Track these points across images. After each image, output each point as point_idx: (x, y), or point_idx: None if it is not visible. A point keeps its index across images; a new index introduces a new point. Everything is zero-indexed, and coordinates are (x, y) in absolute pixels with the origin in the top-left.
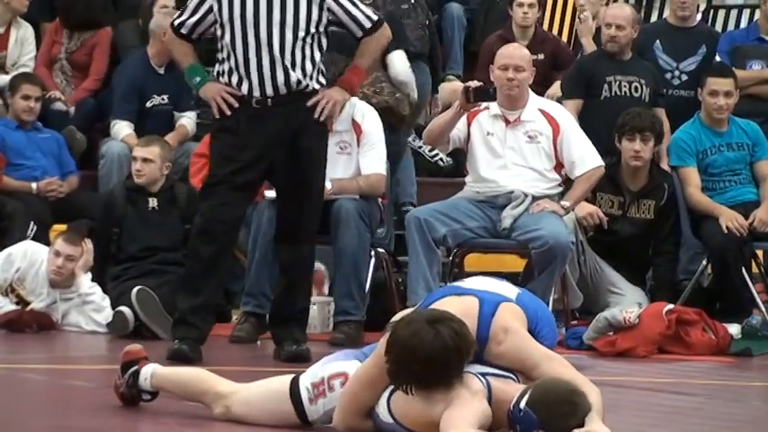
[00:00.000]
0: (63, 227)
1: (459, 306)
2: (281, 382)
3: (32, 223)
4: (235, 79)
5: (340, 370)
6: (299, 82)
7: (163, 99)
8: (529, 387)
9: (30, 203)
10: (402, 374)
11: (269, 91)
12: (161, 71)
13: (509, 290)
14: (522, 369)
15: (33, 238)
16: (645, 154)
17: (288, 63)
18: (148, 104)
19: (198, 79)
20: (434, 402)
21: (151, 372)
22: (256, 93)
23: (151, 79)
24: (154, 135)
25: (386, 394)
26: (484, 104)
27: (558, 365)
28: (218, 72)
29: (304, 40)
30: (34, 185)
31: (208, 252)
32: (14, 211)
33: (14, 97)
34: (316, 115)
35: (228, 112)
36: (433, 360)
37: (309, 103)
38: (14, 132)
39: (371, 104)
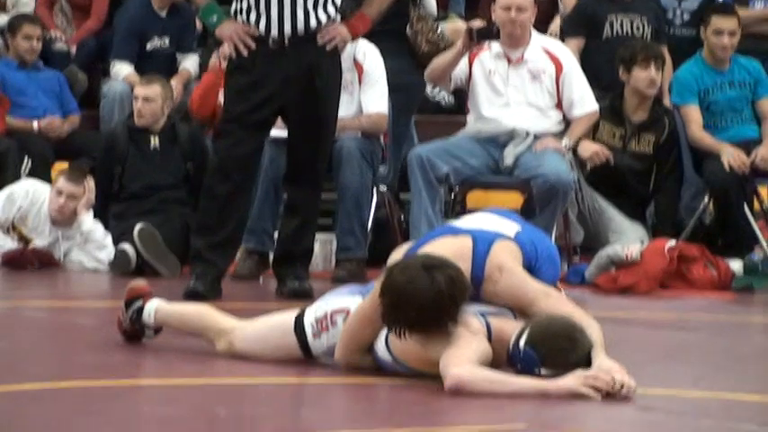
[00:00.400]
0: (65, 165)
1: (453, 247)
2: (286, 317)
3: (27, 158)
4: (253, 17)
5: (342, 305)
6: (317, 23)
7: (164, 42)
8: (527, 325)
9: (31, 142)
10: (396, 319)
11: (287, 30)
12: (163, 14)
13: (508, 227)
14: (519, 306)
15: (34, 176)
16: (659, 81)
17: (309, 4)
18: (149, 47)
19: (215, 17)
20: (432, 342)
21: (155, 307)
22: (274, 31)
23: (152, 21)
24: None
25: (384, 332)
26: (486, 44)
27: (555, 301)
28: (235, 10)
29: None
30: (35, 124)
31: (224, 190)
32: (7, 149)
33: (15, 38)
34: (319, 40)
35: (245, 53)
36: (427, 306)
37: (320, 36)
38: (15, 72)
39: (439, 50)
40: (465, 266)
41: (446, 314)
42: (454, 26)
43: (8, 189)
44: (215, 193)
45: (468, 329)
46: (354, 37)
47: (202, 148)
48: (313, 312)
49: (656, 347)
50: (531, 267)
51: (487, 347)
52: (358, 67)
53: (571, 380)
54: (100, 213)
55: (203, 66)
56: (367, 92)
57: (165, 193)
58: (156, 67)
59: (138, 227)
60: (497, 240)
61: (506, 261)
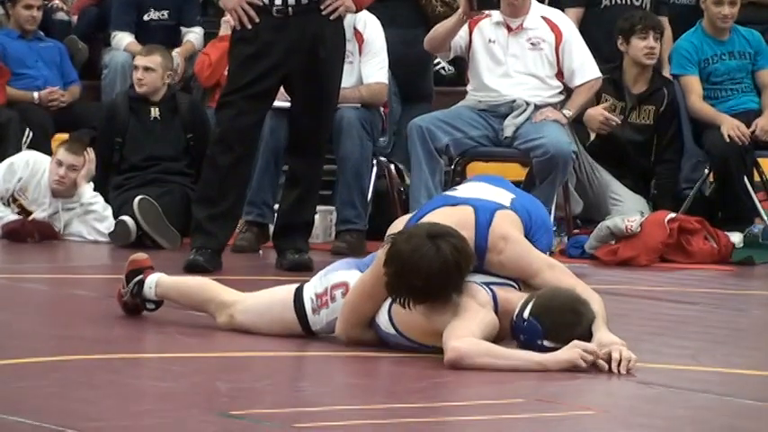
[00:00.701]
0: (65, 136)
1: (455, 217)
2: (285, 291)
3: (28, 130)
4: None
5: (341, 280)
6: None
7: (162, 15)
8: (531, 297)
9: (31, 113)
10: (401, 289)
11: None
12: None
13: (503, 196)
14: (522, 277)
15: (34, 147)
16: (657, 51)
17: None
18: (146, 18)
19: None
20: (438, 314)
21: (156, 281)
22: (278, 0)
23: None
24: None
25: (386, 305)
26: (486, 12)
27: (559, 273)
28: None
29: None
30: (36, 95)
31: (225, 161)
32: (8, 119)
33: (16, 7)
34: (323, 9)
35: (249, 26)
36: (433, 276)
37: (323, 5)
38: (16, 42)
39: (454, 11)
40: (468, 236)
41: (451, 284)
42: None
43: (8, 160)
44: (217, 164)
45: (476, 301)
46: (359, 8)
47: (203, 119)
48: (312, 287)
49: (655, 321)
50: (526, 235)
51: (494, 319)
52: (358, 36)
53: (568, 352)
54: (100, 185)
55: (207, 35)
56: (368, 62)
57: (165, 164)
58: (157, 39)
59: (137, 198)
60: (498, 210)
61: (510, 231)
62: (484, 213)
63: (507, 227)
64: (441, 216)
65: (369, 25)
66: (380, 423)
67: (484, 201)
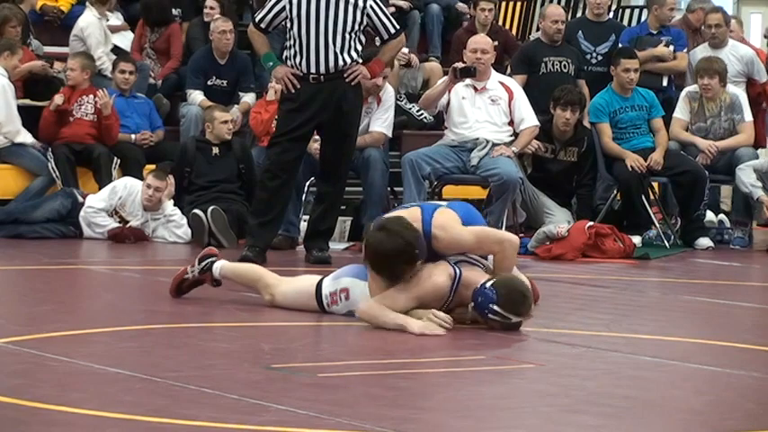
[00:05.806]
0: (153, 167)
1: (407, 214)
2: (310, 282)
3: (116, 159)
4: (298, 60)
5: (344, 287)
6: (344, 63)
7: (222, 83)
8: (494, 277)
9: (128, 150)
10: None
11: (322, 69)
12: (222, 62)
13: (441, 202)
14: (465, 251)
15: (128, 174)
16: (572, 120)
17: (337, 49)
18: (209, 83)
19: (271, 63)
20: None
21: (221, 265)
22: (313, 70)
23: (213, 66)
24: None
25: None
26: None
27: (486, 235)
28: (285, 56)
29: (350, 34)
30: (133, 137)
31: (272, 185)
32: (100, 153)
33: (114, 72)
34: (346, 77)
35: (293, 90)
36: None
37: (346, 74)
38: (118, 98)
39: None
40: (418, 227)
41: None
42: (431, 66)
43: (112, 184)
44: (267, 186)
45: (429, 277)
46: (372, 75)
47: (249, 155)
48: (327, 286)
49: (578, 300)
50: (466, 222)
51: (432, 290)
52: (378, 98)
53: (420, 324)
54: (177, 201)
55: (258, 96)
56: (377, 117)
57: (223, 185)
58: (217, 99)
59: (210, 208)
60: (437, 209)
61: (446, 223)
62: (427, 212)
63: (443, 219)
64: (397, 214)
65: (387, 92)
66: (380, 373)
67: (427, 204)
